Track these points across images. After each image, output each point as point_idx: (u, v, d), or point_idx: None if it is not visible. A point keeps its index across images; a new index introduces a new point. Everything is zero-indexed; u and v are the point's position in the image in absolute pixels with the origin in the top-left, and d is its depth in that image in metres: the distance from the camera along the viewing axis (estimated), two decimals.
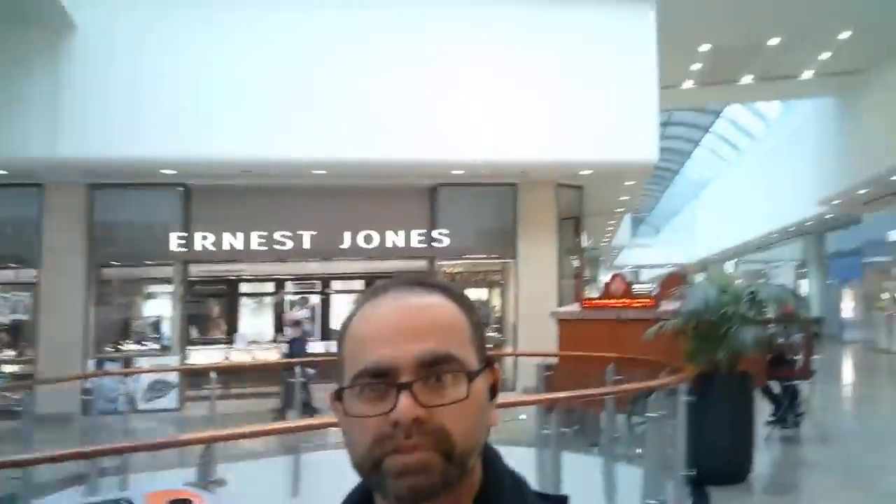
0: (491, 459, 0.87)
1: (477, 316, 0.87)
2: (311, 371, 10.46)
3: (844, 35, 14.16)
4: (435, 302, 0.84)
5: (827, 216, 21.89)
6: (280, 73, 11.46)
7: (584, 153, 12.47)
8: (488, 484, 0.84)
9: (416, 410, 0.76)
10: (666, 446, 5.67)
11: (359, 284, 15.82)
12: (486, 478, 0.85)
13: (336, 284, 16.15)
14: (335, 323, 15.71)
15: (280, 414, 10.85)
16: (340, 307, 15.74)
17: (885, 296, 19.24)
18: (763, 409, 8.14)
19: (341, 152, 11.64)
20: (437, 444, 0.77)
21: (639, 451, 6.24)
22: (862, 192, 17.99)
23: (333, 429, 8.30)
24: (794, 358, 8.63)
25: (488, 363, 0.85)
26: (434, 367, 0.79)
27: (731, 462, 6.51)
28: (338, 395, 0.82)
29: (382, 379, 0.79)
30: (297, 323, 12.64)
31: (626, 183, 15.36)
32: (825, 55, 15.26)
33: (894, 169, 15.54)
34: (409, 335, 0.79)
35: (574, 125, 12.23)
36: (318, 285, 16.18)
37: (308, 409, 11.54)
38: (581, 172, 13.66)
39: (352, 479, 0.87)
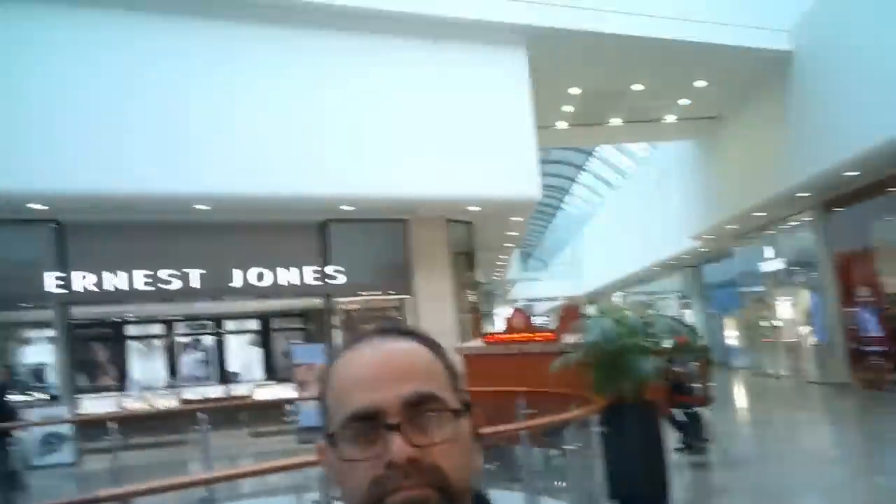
0: None
1: (449, 361, 0.90)
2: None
3: (700, 84, 15.11)
4: (412, 347, 0.87)
5: (702, 250, 23.10)
6: (156, 101, 10.92)
7: (471, 190, 12.62)
8: None
9: (409, 450, 0.77)
10: (585, 477, 5.68)
11: (254, 324, 15.26)
12: None
13: (229, 324, 15.50)
14: (233, 365, 15.06)
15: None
16: (236, 348, 15.09)
17: (765, 323, 20.34)
18: (671, 437, 8.31)
19: (224, 187, 11.21)
20: (434, 481, 0.78)
21: (559, 483, 6.22)
22: (729, 227, 19.13)
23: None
24: (693, 385, 8.92)
25: (469, 406, 0.87)
26: (420, 407, 0.80)
27: (648, 489, 6.60)
28: (330, 441, 0.83)
29: (371, 422, 0.80)
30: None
31: (513, 218, 15.55)
32: (684, 101, 16.20)
33: (754, 206, 16.71)
34: (392, 378, 0.81)
35: (459, 163, 12.33)
36: (211, 326, 15.47)
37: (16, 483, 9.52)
38: (469, 208, 13.80)
39: None
